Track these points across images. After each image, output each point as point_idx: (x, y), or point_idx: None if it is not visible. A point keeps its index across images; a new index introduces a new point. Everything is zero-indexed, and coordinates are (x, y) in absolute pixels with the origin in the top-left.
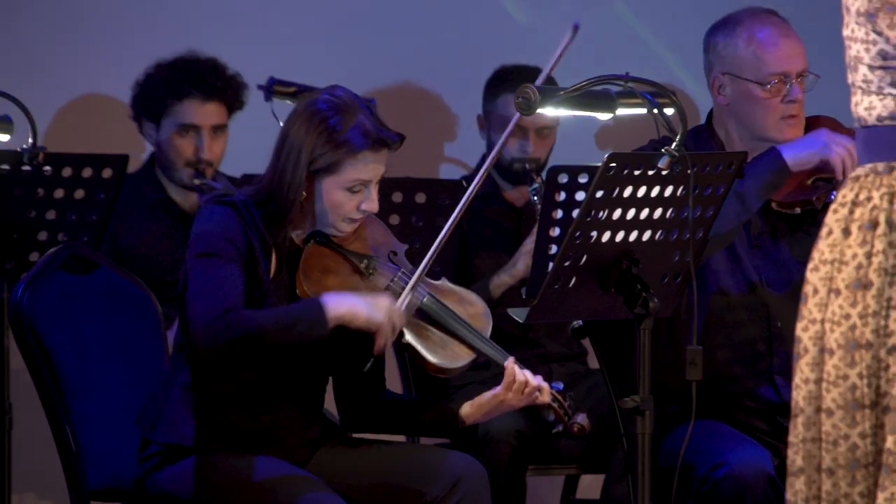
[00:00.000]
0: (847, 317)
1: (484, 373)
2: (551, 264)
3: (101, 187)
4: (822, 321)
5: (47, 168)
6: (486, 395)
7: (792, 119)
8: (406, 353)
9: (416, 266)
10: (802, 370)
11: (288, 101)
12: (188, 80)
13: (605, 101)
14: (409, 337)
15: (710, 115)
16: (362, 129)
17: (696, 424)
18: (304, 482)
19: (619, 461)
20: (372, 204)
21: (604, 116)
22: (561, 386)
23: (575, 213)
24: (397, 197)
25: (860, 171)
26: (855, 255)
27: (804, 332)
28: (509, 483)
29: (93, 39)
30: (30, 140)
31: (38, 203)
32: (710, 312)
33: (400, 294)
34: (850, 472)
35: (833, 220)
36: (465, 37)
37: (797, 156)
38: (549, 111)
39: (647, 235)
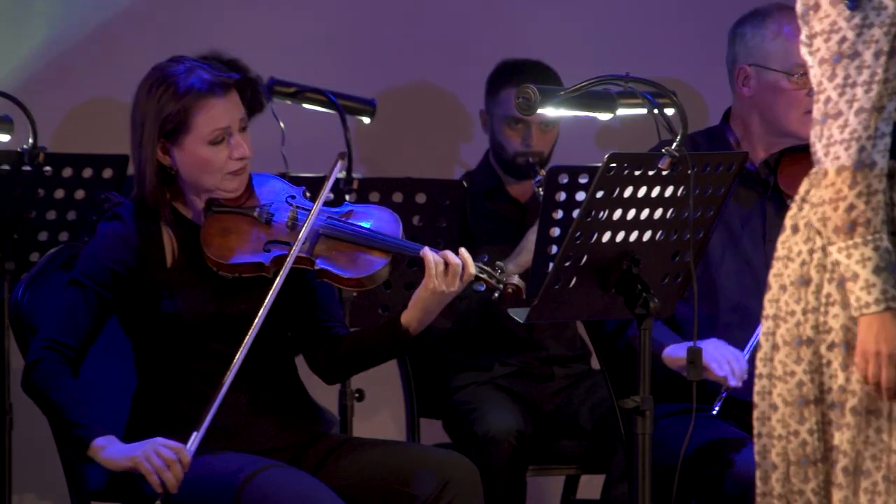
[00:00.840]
0: (792, 313)
1: (484, 374)
2: (551, 264)
3: (101, 187)
4: (774, 317)
5: (48, 168)
6: (418, 291)
7: None
8: (326, 282)
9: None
10: (756, 365)
11: (288, 102)
12: None
13: (605, 101)
14: (320, 263)
15: (725, 115)
16: (201, 77)
17: (699, 424)
18: (295, 475)
19: (619, 462)
20: (242, 149)
21: (604, 117)
22: (486, 257)
23: (575, 213)
24: (398, 197)
25: (815, 168)
26: (800, 252)
27: (760, 328)
28: (509, 483)
29: (99, 42)
30: (30, 140)
31: (38, 203)
32: (717, 313)
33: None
34: (802, 468)
35: (788, 216)
36: (479, 35)
37: (669, 357)
38: (549, 111)
39: (647, 236)
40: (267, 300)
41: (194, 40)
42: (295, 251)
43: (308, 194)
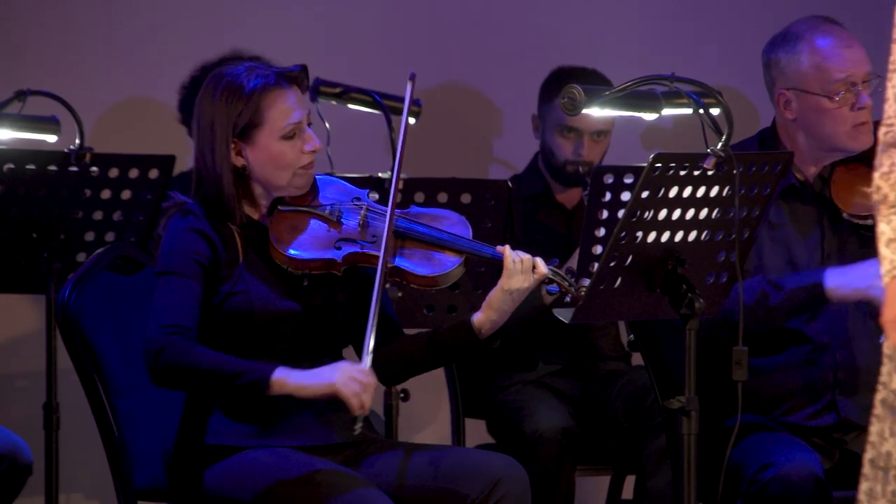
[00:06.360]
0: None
1: (528, 374)
2: (597, 265)
3: (147, 188)
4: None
5: (94, 169)
6: (494, 292)
7: (863, 126)
8: (398, 280)
9: (382, 202)
10: (891, 376)
11: (333, 102)
12: None
13: (650, 101)
14: (394, 261)
15: (774, 122)
16: (264, 73)
17: (745, 426)
18: (348, 478)
19: (650, 455)
20: (314, 140)
21: (649, 117)
22: (557, 261)
23: (620, 213)
24: (443, 197)
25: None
26: None
27: (886, 342)
28: (557, 481)
29: (137, 41)
30: (77, 141)
31: (85, 204)
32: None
33: (381, 229)
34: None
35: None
36: (513, 36)
37: (839, 290)
38: (594, 111)
39: (692, 236)
40: (373, 303)
41: (231, 40)
42: (383, 248)
43: (375, 196)
